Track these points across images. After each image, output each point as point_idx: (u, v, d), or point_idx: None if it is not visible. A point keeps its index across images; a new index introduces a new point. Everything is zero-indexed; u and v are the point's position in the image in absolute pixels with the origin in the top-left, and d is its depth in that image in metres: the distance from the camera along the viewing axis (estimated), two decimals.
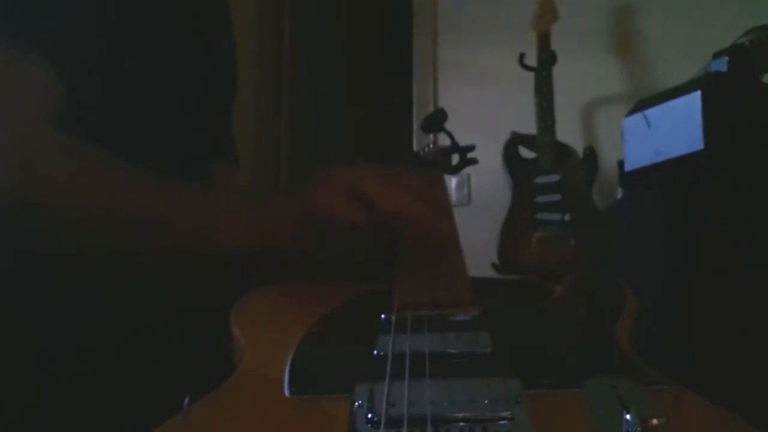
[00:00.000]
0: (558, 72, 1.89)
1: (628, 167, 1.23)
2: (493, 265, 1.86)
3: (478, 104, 2.24)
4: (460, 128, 1.12)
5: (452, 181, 2.23)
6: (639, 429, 0.30)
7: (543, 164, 1.85)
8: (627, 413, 0.31)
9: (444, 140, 1.14)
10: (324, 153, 2.75)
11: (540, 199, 1.82)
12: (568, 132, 1.95)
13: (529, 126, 1.91)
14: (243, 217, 0.58)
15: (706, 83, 1.11)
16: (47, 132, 0.56)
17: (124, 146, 0.55)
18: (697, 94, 1.08)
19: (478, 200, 2.24)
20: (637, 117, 1.21)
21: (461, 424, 0.32)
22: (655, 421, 0.31)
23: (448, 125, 1.11)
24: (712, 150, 1.06)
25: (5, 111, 0.57)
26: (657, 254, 1.08)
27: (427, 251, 0.60)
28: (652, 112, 1.18)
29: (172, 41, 0.69)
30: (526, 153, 1.96)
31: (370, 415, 0.33)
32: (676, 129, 1.12)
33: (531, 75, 1.92)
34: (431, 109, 2.28)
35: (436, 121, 1.11)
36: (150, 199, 0.57)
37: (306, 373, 0.40)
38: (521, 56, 1.95)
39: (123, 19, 0.64)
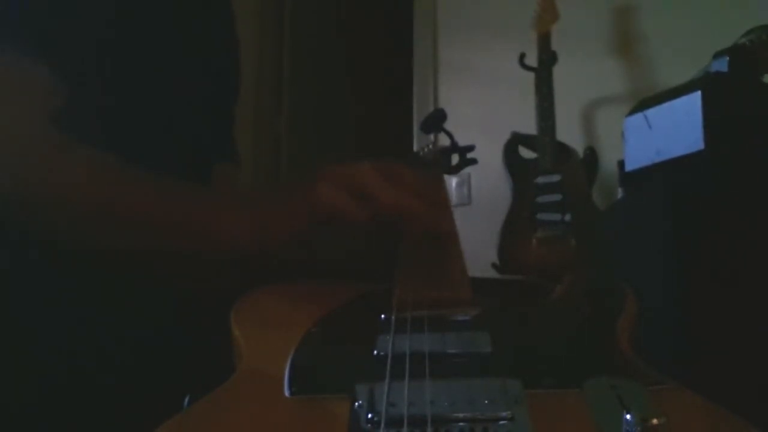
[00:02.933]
0: (558, 72, 1.89)
1: (628, 167, 1.23)
2: (493, 265, 1.86)
3: (478, 104, 2.24)
4: (460, 128, 1.12)
5: (452, 181, 2.23)
6: (639, 429, 0.30)
7: (543, 164, 1.85)
8: (627, 413, 0.31)
9: (444, 140, 1.14)
10: (324, 153, 2.75)
11: (540, 199, 1.82)
12: (568, 132, 1.95)
13: (529, 126, 1.91)
14: (243, 217, 0.58)
15: (706, 83, 1.11)
16: (48, 133, 0.56)
17: (126, 147, 0.55)
18: (698, 94, 1.08)
19: (478, 200, 2.24)
20: (638, 117, 1.21)
21: (461, 424, 0.32)
22: (655, 421, 0.31)
23: (448, 125, 1.11)
24: (712, 150, 1.06)
25: (5, 111, 0.57)
26: (657, 254, 1.08)
27: (427, 251, 0.60)
28: (652, 112, 1.18)
29: (174, 42, 0.69)
30: (526, 153, 1.96)
31: (370, 415, 0.33)
32: (676, 129, 1.12)
33: (531, 75, 1.92)
34: (431, 109, 2.29)
35: (436, 121, 1.11)
36: (150, 199, 0.57)
37: (306, 373, 0.40)
38: (521, 56, 1.95)
39: (124, 20, 0.64)
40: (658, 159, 1.15)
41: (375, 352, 0.41)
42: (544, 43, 1.92)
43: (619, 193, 1.54)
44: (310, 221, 0.57)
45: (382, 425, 0.32)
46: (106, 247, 0.56)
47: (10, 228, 0.56)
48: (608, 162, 1.86)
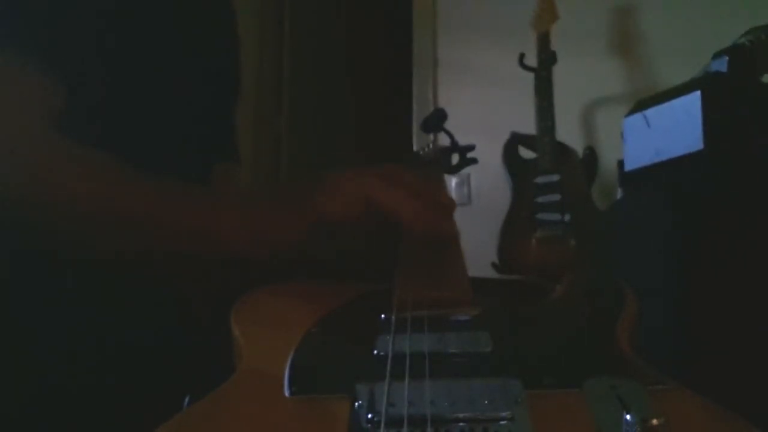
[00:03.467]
0: (558, 72, 1.89)
1: (627, 167, 1.23)
2: (493, 265, 1.86)
3: (478, 104, 2.24)
4: (460, 128, 1.12)
5: (452, 181, 2.23)
6: (639, 429, 0.30)
7: (543, 164, 1.85)
8: (627, 413, 0.31)
9: (444, 140, 1.14)
10: (324, 153, 2.75)
11: (540, 199, 1.82)
12: (568, 132, 1.96)
13: (529, 126, 1.92)
14: (243, 219, 0.58)
15: (705, 83, 1.11)
16: (49, 136, 0.56)
17: (126, 148, 0.55)
18: (697, 94, 1.08)
19: (478, 200, 2.24)
20: (637, 117, 1.21)
21: (461, 424, 0.32)
22: (655, 421, 0.31)
23: (448, 125, 1.11)
24: (711, 150, 1.06)
25: (6, 115, 0.57)
26: (657, 254, 1.08)
27: (427, 251, 0.60)
28: (651, 112, 1.18)
29: (174, 42, 0.69)
30: (526, 153, 1.96)
31: (370, 416, 0.33)
32: (675, 129, 1.12)
33: (531, 75, 1.92)
34: (431, 109, 2.29)
35: (436, 120, 1.11)
36: (150, 199, 0.57)
37: (306, 373, 0.40)
38: (521, 56, 1.95)
39: (124, 21, 0.64)
40: (657, 159, 1.15)
41: (375, 352, 0.41)
42: (544, 43, 1.92)
43: (619, 193, 1.54)
44: (311, 229, 0.57)
45: (382, 425, 0.32)
46: (106, 248, 0.56)
47: (11, 228, 0.56)
48: (608, 162, 1.86)
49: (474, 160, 1.09)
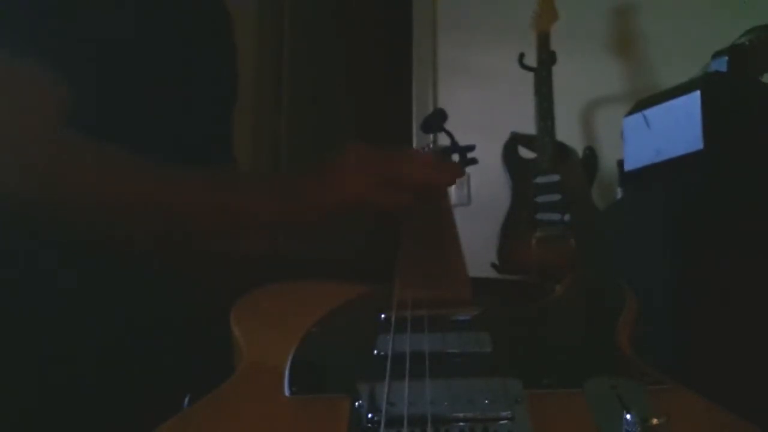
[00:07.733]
0: (558, 72, 1.89)
1: (627, 167, 1.23)
2: (493, 265, 1.86)
3: (478, 104, 2.24)
4: (460, 128, 1.12)
5: None
6: (639, 429, 0.30)
7: (542, 164, 1.85)
8: (627, 413, 0.31)
9: (444, 140, 1.14)
10: (324, 153, 2.74)
11: (540, 199, 1.82)
12: (567, 132, 1.95)
13: (528, 126, 1.91)
14: (265, 189, 0.59)
15: (705, 83, 1.11)
16: (57, 134, 0.56)
17: (124, 148, 0.55)
18: (697, 93, 1.08)
19: (478, 200, 2.24)
20: (637, 117, 1.21)
21: (461, 423, 0.32)
22: (655, 421, 0.31)
23: (448, 125, 1.11)
24: (711, 150, 1.05)
25: (11, 116, 0.57)
26: (657, 254, 1.08)
27: (427, 251, 0.61)
28: (651, 112, 1.18)
29: (173, 44, 0.69)
30: (525, 153, 1.96)
31: (370, 415, 0.33)
32: (675, 129, 1.12)
33: (531, 75, 1.92)
34: (431, 109, 2.29)
35: (436, 121, 1.11)
36: (170, 187, 0.57)
37: (306, 373, 0.40)
38: (521, 56, 1.95)
39: (124, 23, 0.64)
40: (657, 159, 1.15)
41: (375, 351, 0.41)
42: (544, 43, 1.92)
43: (619, 192, 1.54)
44: (332, 211, 0.58)
45: (383, 425, 0.32)
46: (123, 240, 0.56)
47: (17, 227, 0.56)
48: (608, 162, 1.86)
49: (474, 161, 1.09)
